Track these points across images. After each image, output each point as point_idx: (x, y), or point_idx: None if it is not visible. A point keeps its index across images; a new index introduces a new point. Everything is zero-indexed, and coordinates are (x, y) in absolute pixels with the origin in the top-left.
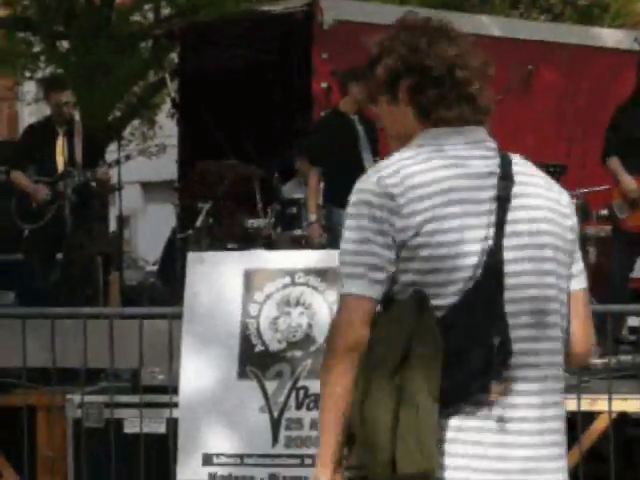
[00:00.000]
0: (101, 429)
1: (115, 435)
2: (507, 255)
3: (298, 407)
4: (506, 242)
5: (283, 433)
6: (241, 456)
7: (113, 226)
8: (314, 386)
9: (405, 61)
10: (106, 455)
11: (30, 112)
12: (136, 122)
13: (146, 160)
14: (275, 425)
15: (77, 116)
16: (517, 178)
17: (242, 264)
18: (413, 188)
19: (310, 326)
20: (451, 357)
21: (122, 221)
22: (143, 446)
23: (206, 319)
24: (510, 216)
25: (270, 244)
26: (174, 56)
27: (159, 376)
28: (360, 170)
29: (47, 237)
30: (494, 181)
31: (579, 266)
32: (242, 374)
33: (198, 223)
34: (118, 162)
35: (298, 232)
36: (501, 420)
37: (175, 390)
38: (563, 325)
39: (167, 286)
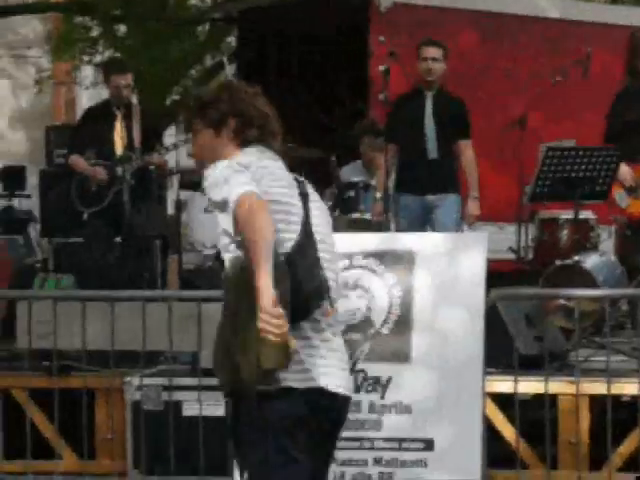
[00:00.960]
0: (160, 411)
1: (174, 417)
2: (313, 222)
3: (356, 390)
4: (312, 216)
5: None
6: None
7: (171, 210)
8: (372, 369)
9: (232, 108)
10: (165, 437)
11: (88, 96)
12: None
13: None
14: None
15: (135, 99)
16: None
17: None
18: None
19: (369, 309)
20: (293, 287)
21: (180, 204)
22: (202, 428)
23: None
24: (311, 204)
25: None
26: (231, 40)
27: None
28: (421, 151)
29: (106, 220)
30: (294, 181)
31: None
32: None
33: None
34: (175, 146)
35: (356, 215)
36: (331, 331)
37: None
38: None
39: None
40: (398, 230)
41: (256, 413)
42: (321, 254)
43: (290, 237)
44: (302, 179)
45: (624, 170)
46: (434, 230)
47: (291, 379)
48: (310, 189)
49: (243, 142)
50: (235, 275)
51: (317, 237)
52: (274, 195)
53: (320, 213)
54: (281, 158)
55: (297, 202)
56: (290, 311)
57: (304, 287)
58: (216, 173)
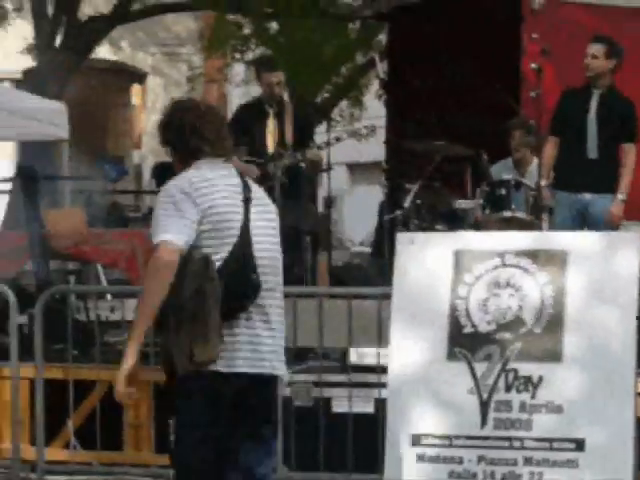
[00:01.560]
0: (309, 408)
1: (324, 414)
2: (253, 229)
3: (507, 389)
4: (252, 222)
5: (492, 415)
6: (450, 437)
7: (321, 207)
8: (524, 368)
9: (184, 126)
10: (314, 434)
11: (239, 94)
12: (344, 103)
13: (352, 142)
14: (484, 407)
15: (287, 96)
16: (252, 188)
17: (452, 245)
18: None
19: (520, 308)
20: (227, 288)
21: (331, 202)
22: (351, 425)
23: (415, 300)
24: (253, 208)
25: (478, 225)
26: (382, 37)
27: (368, 356)
28: (581, 149)
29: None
30: (239, 188)
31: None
32: (451, 355)
33: (406, 204)
34: (328, 144)
35: (507, 213)
36: (265, 326)
37: (384, 370)
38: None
39: (378, 267)
40: (551, 227)
41: (181, 386)
42: (257, 254)
43: (229, 242)
44: (249, 184)
45: None
46: (588, 229)
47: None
48: (257, 193)
49: (195, 157)
50: (196, 273)
51: (254, 239)
52: (216, 207)
53: (261, 217)
54: (234, 167)
55: (238, 209)
56: (224, 309)
57: (237, 289)
58: (161, 196)
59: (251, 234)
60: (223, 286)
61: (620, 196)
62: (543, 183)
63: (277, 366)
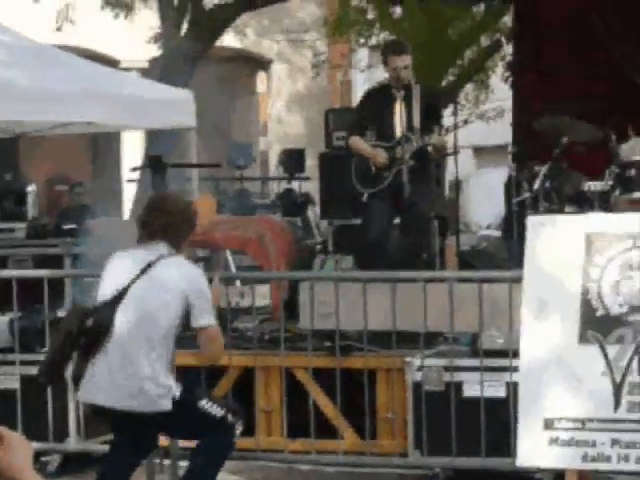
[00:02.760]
0: (441, 392)
1: (455, 398)
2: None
3: None
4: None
5: (625, 398)
6: (583, 420)
7: (448, 191)
8: None
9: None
10: (446, 418)
11: (363, 79)
12: (469, 86)
13: (478, 125)
14: (617, 389)
15: (414, 80)
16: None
17: (583, 227)
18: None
19: None
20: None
21: (458, 185)
22: (483, 410)
23: (547, 283)
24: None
25: (608, 207)
26: (507, 19)
27: (499, 340)
28: None
29: (385, 201)
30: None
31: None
32: (583, 338)
33: (535, 186)
34: (455, 127)
35: (638, 194)
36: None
37: (515, 354)
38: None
39: (508, 250)
40: None
41: None
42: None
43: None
44: (153, 257)
45: None
46: None
47: None
48: (158, 266)
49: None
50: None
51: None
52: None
53: (149, 284)
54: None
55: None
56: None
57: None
58: (203, 280)
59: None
60: None
61: None
62: None
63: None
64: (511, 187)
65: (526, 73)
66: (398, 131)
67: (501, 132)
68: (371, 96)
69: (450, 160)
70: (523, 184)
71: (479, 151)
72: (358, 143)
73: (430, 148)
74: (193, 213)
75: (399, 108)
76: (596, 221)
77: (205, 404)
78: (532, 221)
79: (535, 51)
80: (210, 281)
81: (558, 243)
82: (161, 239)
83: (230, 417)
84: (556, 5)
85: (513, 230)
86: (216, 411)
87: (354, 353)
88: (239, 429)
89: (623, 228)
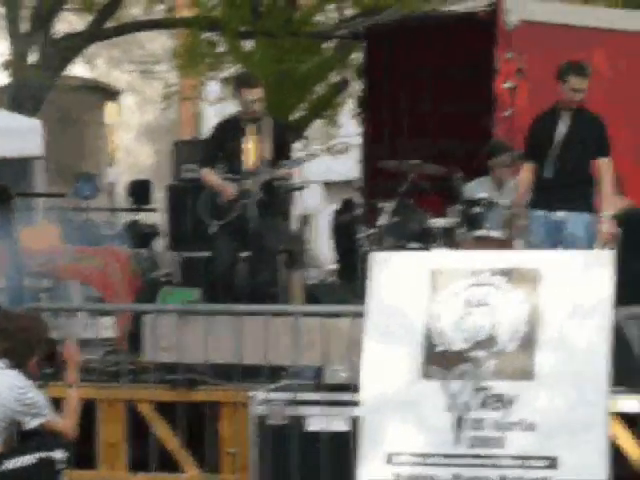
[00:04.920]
0: (284, 426)
1: (297, 432)
2: None
3: (481, 407)
4: None
5: (466, 433)
6: (424, 455)
7: (296, 224)
8: (497, 387)
9: None
10: (288, 452)
11: (214, 111)
12: (318, 121)
13: (327, 160)
14: (458, 425)
15: (264, 114)
16: None
17: (427, 263)
18: None
19: (494, 327)
20: None
21: (306, 219)
22: (326, 444)
23: (389, 318)
24: None
25: (453, 244)
26: (358, 56)
27: (342, 374)
28: (553, 169)
29: (233, 234)
30: None
31: None
32: (425, 373)
33: (380, 222)
34: (303, 161)
35: (481, 232)
36: None
37: (358, 388)
38: None
39: (347, 284)
40: (529, 246)
41: None
42: None
43: None
44: None
45: None
46: (565, 248)
47: None
48: None
49: None
50: None
51: None
52: None
53: None
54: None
55: None
56: None
57: None
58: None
59: None
60: None
61: (607, 213)
62: (518, 208)
63: None
64: (355, 223)
65: (374, 111)
66: (247, 164)
67: (349, 168)
68: (222, 128)
69: (298, 194)
70: (370, 220)
71: (328, 186)
72: (208, 175)
73: (278, 182)
74: (37, 333)
75: (249, 141)
76: (440, 258)
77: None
78: (376, 257)
79: (383, 90)
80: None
81: (402, 279)
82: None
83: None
84: (400, 48)
85: (358, 265)
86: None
87: (198, 386)
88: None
89: (466, 265)
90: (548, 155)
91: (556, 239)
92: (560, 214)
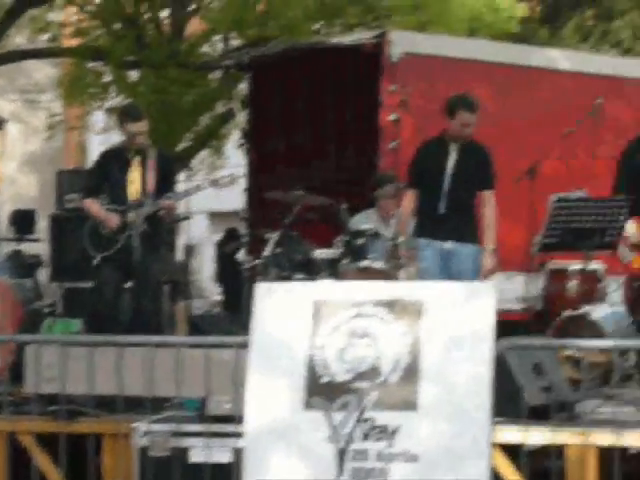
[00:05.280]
0: (167, 458)
1: (180, 464)
2: None
3: (364, 438)
4: None
5: (349, 464)
6: None
7: (181, 255)
8: (380, 418)
9: None
10: None
11: (99, 141)
12: (204, 152)
13: (212, 190)
14: (341, 456)
15: (149, 145)
16: None
17: (311, 295)
18: None
19: (377, 358)
20: None
21: (190, 250)
22: (209, 475)
23: (273, 349)
24: None
25: (337, 275)
26: (243, 87)
27: (226, 405)
28: (441, 200)
29: (117, 265)
30: None
31: None
32: (308, 404)
33: (266, 253)
34: (188, 194)
35: (365, 263)
36: None
37: (242, 419)
38: None
39: (232, 315)
40: (420, 275)
41: None
42: None
43: None
44: None
45: (629, 226)
46: (451, 279)
47: None
48: None
49: None
50: None
51: None
52: None
53: None
54: None
55: None
56: None
57: None
58: None
59: None
60: None
61: (491, 246)
62: (400, 238)
63: None
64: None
65: (259, 141)
66: (132, 195)
67: (235, 198)
68: (106, 158)
69: (184, 224)
70: (255, 250)
71: (214, 216)
72: (91, 206)
73: (163, 212)
74: None
75: (133, 172)
76: (323, 289)
77: None
78: (260, 288)
79: (268, 120)
80: None
81: (286, 310)
82: None
83: None
84: (285, 79)
85: (242, 296)
86: None
87: (80, 418)
88: None
89: (349, 296)
90: (439, 187)
91: (445, 269)
92: (449, 245)
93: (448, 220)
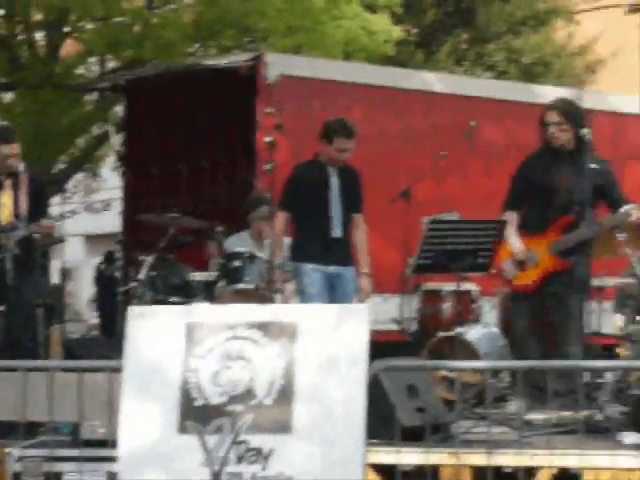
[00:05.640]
0: None
1: None
2: None
3: (238, 461)
4: None
5: None
6: None
7: (56, 279)
8: (255, 440)
9: None
10: None
11: None
12: (79, 175)
13: (88, 213)
14: (215, 479)
15: (22, 167)
16: None
17: (184, 317)
18: None
19: (251, 380)
20: None
21: (65, 273)
22: None
23: (146, 373)
24: None
25: (213, 298)
26: (119, 109)
27: (99, 430)
28: (326, 224)
29: None
30: None
31: None
32: (182, 428)
33: (141, 276)
34: (61, 218)
35: (241, 285)
36: None
37: (116, 444)
38: None
39: (108, 338)
40: (303, 298)
41: None
42: None
43: None
44: None
45: (515, 243)
46: (337, 301)
47: None
48: None
49: None
50: None
51: None
52: None
53: None
54: None
55: None
56: None
57: None
58: None
59: None
60: None
61: (366, 269)
62: (276, 261)
63: None
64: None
65: (134, 164)
66: (4, 219)
67: (112, 221)
68: None
69: (59, 247)
70: (130, 273)
71: (90, 239)
72: None
73: (37, 235)
74: None
75: (5, 195)
76: (197, 312)
77: None
78: (133, 311)
79: (143, 143)
80: None
81: (158, 333)
82: None
83: None
84: (160, 102)
85: (117, 319)
86: None
87: None
88: None
89: (224, 318)
90: (326, 210)
91: (332, 293)
92: (335, 268)
93: (340, 244)
